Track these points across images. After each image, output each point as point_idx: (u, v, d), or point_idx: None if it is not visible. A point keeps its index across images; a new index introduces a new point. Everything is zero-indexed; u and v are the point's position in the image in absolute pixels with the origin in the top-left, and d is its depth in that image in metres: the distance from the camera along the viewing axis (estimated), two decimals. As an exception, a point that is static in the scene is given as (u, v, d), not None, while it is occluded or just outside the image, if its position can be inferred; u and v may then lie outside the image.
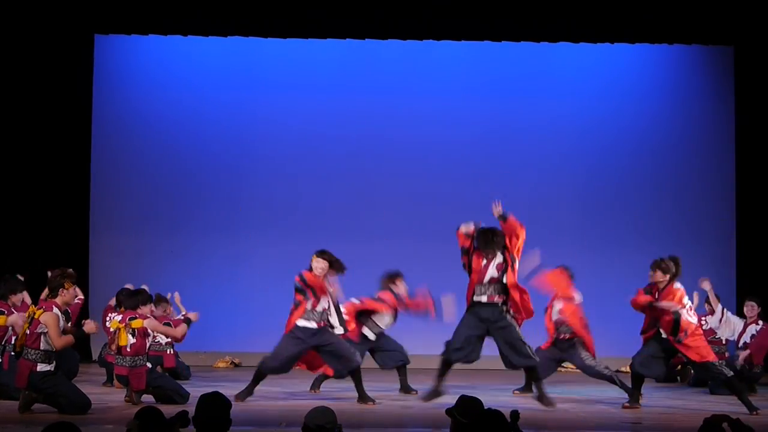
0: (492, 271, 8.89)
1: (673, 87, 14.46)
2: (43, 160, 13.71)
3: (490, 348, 9.20)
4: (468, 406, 4.94)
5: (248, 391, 9.25)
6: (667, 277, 9.06)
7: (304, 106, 14.20)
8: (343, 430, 4.77)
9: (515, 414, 4.92)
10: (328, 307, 9.21)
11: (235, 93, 14.25)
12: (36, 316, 8.19)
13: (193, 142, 14.21)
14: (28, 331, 8.23)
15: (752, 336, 10.79)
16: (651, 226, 13.88)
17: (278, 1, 13.46)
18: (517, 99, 14.29)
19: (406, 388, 10.09)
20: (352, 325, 9.90)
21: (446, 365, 8.92)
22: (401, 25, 13.63)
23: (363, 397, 9.20)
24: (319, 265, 9.15)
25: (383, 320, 10.23)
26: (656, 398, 9.96)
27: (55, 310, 8.24)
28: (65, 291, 8.37)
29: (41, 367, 8.13)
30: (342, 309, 9.45)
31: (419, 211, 13.99)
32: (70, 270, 8.59)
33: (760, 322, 10.85)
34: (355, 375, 9.27)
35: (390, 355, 10.28)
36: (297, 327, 9.17)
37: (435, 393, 8.87)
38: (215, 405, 4.75)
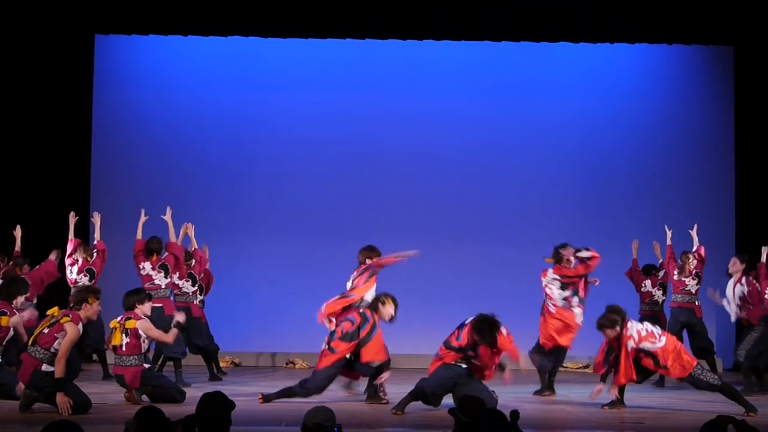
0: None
1: (673, 87, 14.46)
2: (43, 160, 13.71)
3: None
4: (470, 405, 4.96)
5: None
6: None
7: (303, 106, 14.19)
8: (343, 429, 4.78)
9: (515, 414, 4.93)
10: None
11: (235, 93, 14.25)
12: (62, 321, 8.23)
13: (193, 141, 14.21)
14: (46, 330, 8.26)
15: (741, 298, 10.79)
16: (651, 226, 13.87)
17: (278, 1, 13.47)
18: (517, 99, 14.28)
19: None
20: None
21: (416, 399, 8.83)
22: (401, 25, 13.63)
23: (373, 396, 9.22)
24: None
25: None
26: (656, 398, 9.95)
27: (79, 325, 8.32)
28: (88, 306, 8.44)
29: (46, 368, 8.18)
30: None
31: (419, 210, 13.99)
32: (96, 286, 8.68)
33: (743, 280, 10.88)
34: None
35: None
36: None
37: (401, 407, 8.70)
38: (216, 405, 4.75)
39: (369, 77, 14.27)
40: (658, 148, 14.30)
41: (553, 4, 13.40)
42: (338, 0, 13.40)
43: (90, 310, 8.46)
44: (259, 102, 14.25)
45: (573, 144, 14.26)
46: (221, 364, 12.45)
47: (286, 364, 13.59)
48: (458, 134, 14.19)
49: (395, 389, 9.92)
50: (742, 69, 14.11)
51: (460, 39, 13.97)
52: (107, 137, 14.14)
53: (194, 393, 8.61)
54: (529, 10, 13.41)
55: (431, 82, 14.25)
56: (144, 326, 9.08)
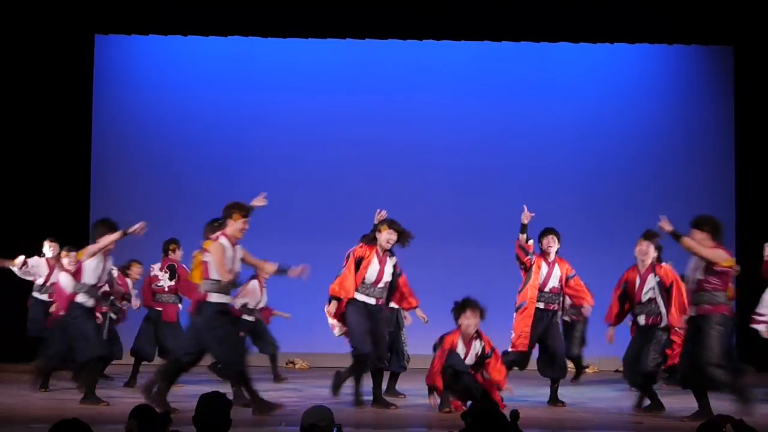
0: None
1: (673, 87, 14.46)
2: (43, 161, 13.71)
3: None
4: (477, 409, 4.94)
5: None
6: None
7: (303, 106, 14.20)
8: (343, 429, 4.77)
9: (515, 414, 4.92)
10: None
11: (236, 93, 14.26)
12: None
13: (193, 141, 14.22)
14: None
15: None
16: (651, 226, 13.87)
17: (278, 1, 13.47)
18: (517, 99, 14.30)
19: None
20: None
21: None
22: (401, 25, 13.64)
23: (379, 401, 9.01)
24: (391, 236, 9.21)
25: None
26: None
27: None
28: (232, 222, 8.72)
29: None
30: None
31: (418, 211, 13.92)
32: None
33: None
34: (376, 376, 9.07)
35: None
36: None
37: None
38: (215, 405, 4.75)
39: (369, 77, 14.28)
40: (657, 148, 14.30)
41: (553, 4, 13.40)
42: (338, 0, 13.41)
43: (234, 227, 8.64)
44: (259, 102, 14.26)
45: (573, 144, 14.26)
46: (221, 364, 12.43)
47: (286, 363, 13.58)
48: (458, 135, 14.18)
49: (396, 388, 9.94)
50: (742, 69, 14.11)
51: (460, 39, 13.98)
52: (107, 137, 14.15)
53: (194, 393, 8.61)
54: (529, 10, 13.41)
55: (431, 82, 14.26)
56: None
